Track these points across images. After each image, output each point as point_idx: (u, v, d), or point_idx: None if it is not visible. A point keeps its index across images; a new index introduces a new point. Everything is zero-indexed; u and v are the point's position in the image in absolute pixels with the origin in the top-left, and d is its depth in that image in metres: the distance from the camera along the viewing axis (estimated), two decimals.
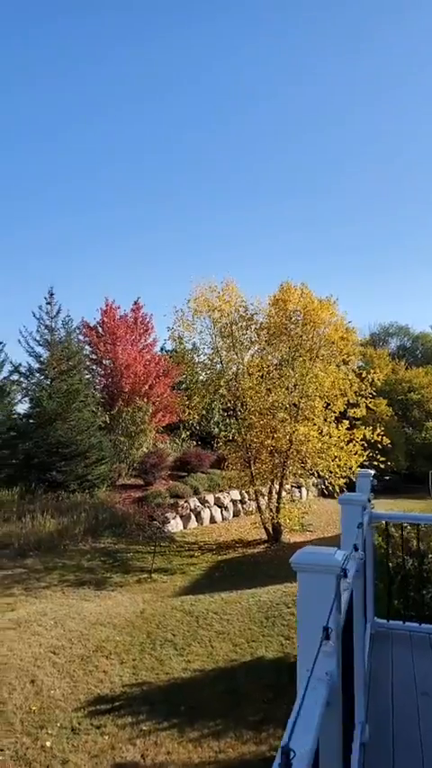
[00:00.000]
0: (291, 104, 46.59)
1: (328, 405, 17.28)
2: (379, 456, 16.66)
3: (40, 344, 20.31)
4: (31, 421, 20.02)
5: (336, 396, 17.23)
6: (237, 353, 18.12)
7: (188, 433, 25.12)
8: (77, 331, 23.59)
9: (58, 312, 20.49)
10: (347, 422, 17.22)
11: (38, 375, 20.47)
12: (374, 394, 18.26)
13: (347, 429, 16.89)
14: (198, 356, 20.39)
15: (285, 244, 63.55)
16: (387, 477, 26.30)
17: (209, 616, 11.15)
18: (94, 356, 24.90)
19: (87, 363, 24.13)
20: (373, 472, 4.75)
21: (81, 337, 24.34)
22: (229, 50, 39.48)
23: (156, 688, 8.24)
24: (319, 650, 1.26)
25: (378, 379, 17.64)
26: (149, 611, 11.56)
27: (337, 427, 16.81)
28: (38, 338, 20.28)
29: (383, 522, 5.87)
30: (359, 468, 16.52)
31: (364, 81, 45.67)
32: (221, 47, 39.49)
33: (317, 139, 51.58)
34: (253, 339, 17.92)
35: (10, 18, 31.12)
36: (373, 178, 58.74)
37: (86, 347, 24.51)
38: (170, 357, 25.26)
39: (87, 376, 23.61)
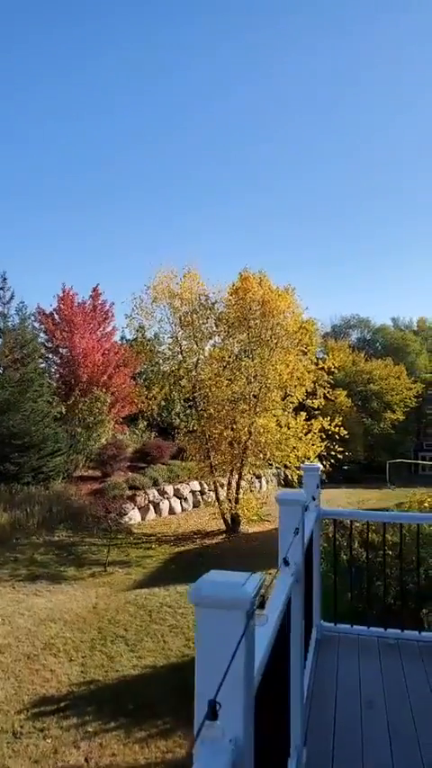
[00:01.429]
0: (255, 102, 46.33)
1: (287, 395, 17.20)
2: (337, 447, 16.66)
3: None
4: None
5: (294, 386, 17.15)
6: (197, 343, 17.82)
7: (146, 423, 24.71)
8: (32, 318, 22.89)
9: (11, 298, 19.82)
10: (305, 413, 17.18)
11: None
12: (332, 383, 18.26)
13: (305, 420, 16.84)
14: (159, 346, 20.03)
15: (253, 237, 63.37)
16: (346, 467, 26.50)
17: (162, 610, 10.92)
18: (49, 344, 24.20)
19: (42, 352, 23.42)
20: (320, 466, 4.53)
21: (36, 325, 23.63)
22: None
23: (104, 686, 7.98)
24: (200, 731, 0.95)
25: (333, 366, 17.62)
26: (102, 606, 11.26)
27: (295, 418, 16.75)
28: None
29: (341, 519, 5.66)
30: (315, 460, 16.56)
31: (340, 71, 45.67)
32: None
33: (280, 134, 51.45)
34: (212, 330, 17.64)
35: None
36: (338, 173, 59.02)
37: (42, 335, 23.79)
38: (130, 346, 24.76)
39: (42, 365, 22.94)
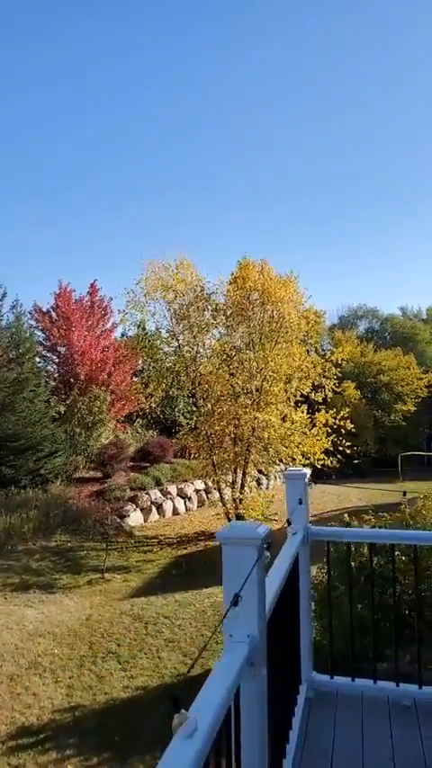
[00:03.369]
0: (244, 78, 45.24)
1: (292, 387, 16.38)
2: (344, 441, 15.84)
3: None
4: None
5: (299, 378, 16.37)
6: (194, 337, 17.03)
7: (143, 422, 23.98)
8: (28, 316, 22.25)
9: (4, 295, 19.15)
10: (305, 406, 16.39)
11: None
12: (339, 375, 17.38)
13: (310, 413, 16.05)
14: (158, 341, 19.30)
15: (255, 227, 62.35)
16: (356, 461, 25.65)
17: (159, 621, 10.20)
18: (47, 343, 23.53)
19: (39, 350, 22.76)
20: (308, 471, 3.63)
21: (33, 323, 22.97)
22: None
23: (90, 712, 7.27)
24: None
25: (341, 359, 16.76)
26: (96, 618, 10.57)
27: (296, 412, 15.96)
28: None
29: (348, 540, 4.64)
30: (322, 456, 15.74)
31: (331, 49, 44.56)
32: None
33: (281, 107, 50.22)
34: (209, 322, 16.80)
35: None
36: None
37: (38, 333, 23.12)
38: (128, 342, 24.05)
39: (40, 363, 22.29)
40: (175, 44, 39.78)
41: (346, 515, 8.84)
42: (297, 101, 49.04)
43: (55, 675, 8.26)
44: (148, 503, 18.67)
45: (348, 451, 16.30)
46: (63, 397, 22.16)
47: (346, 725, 3.05)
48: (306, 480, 3.51)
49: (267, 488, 21.97)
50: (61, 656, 8.91)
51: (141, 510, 18.29)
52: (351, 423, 16.45)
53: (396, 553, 7.75)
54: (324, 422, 15.80)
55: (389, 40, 42.98)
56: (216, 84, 45.23)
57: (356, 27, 41.50)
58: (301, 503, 3.39)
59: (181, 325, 16.88)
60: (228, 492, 17.26)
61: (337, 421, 15.85)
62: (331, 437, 15.77)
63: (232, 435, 16.70)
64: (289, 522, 3.26)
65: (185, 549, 15.67)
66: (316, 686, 3.42)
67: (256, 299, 15.95)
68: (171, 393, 18.27)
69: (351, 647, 3.84)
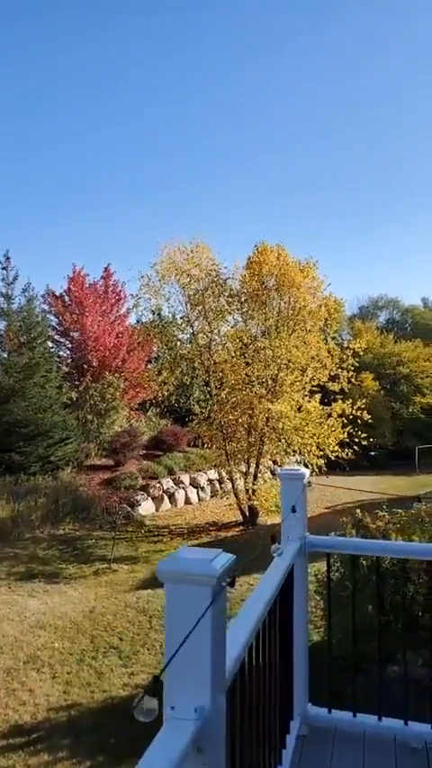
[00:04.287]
0: (275, 66, 44.26)
1: (307, 377, 15.88)
2: (360, 433, 15.31)
3: None
4: None
5: (315, 368, 15.86)
6: (209, 323, 16.57)
7: (156, 410, 23.63)
8: (41, 300, 21.97)
9: (15, 279, 18.86)
10: (319, 396, 15.88)
11: None
12: (356, 366, 16.81)
13: (325, 404, 15.56)
14: (172, 327, 18.88)
15: (277, 221, 61.36)
16: (373, 453, 25.06)
17: (164, 615, 9.86)
18: (60, 327, 23.23)
19: (51, 334, 22.46)
20: (306, 472, 3.09)
21: (45, 307, 22.69)
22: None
23: (86, 711, 6.95)
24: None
25: (359, 348, 16.18)
26: (99, 610, 10.27)
27: (309, 402, 15.48)
28: None
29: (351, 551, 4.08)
30: (337, 448, 15.24)
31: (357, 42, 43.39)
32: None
33: (305, 96, 49.18)
34: (224, 308, 16.31)
35: None
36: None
37: (51, 318, 22.84)
38: (142, 329, 23.67)
39: (52, 349, 22.01)
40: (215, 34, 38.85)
41: (358, 510, 8.39)
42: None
43: (53, 670, 7.97)
44: (160, 492, 18.36)
45: (365, 443, 15.79)
46: (76, 383, 21.89)
47: None
48: (304, 482, 2.99)
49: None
50: (61, 651, 8.61)
51: (153, 499, 17.99)
52: (368, 414, 15.95)
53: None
54: (340, 412, 15.28)
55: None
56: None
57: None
58: (294, 510, 2.86)
59: (196, 311, 16.44)
60: (241, 482, 16.88)
61: (354, 411, 15.34)
62: (347, 428, 15.26)
63: (246, 425, 16.29)
64: (273, 539, 2.65)
65: (196, 539, 15.33)
66: (311, 721, 2.91)
67: (272, 285, 15.43)
68: (185, 381, 17.87)
69: (353, 677, 3.35)
